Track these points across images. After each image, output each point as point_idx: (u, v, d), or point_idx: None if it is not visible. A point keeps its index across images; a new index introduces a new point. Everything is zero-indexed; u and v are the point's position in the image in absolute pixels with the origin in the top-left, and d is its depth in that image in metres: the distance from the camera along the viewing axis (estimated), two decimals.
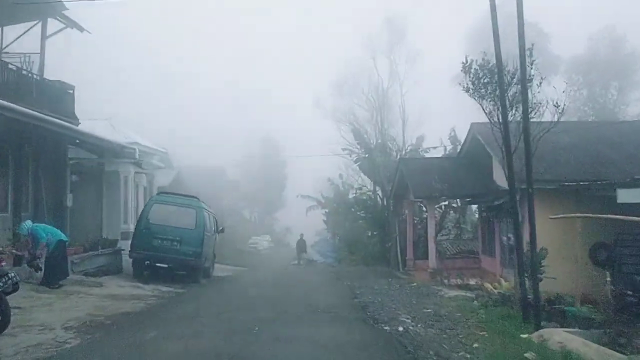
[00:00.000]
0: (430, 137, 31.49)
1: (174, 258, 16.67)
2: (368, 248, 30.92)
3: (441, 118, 35.35)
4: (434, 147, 29.86)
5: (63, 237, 13.21)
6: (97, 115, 25.58)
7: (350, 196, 42.65)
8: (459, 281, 19.30)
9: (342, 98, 32.76)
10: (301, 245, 33.66)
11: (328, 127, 35.99)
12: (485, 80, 12.03)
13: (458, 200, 28.97)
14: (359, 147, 30.32)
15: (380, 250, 29.22)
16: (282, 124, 69.68)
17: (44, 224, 13.93)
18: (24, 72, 16.30)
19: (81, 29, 19.53)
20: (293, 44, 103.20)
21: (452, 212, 30.17)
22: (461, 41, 40.87)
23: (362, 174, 34.21)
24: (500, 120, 11.51)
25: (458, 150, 29.04)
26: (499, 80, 10.91)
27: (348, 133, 32.54)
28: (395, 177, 24.54)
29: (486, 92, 12.01)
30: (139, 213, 18.12)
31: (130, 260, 17.21)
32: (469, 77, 12.34)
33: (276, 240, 55.51)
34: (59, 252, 12.81)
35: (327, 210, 45.88)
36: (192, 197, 18.21)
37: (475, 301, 13.84)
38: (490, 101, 12.06)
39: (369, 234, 30.79)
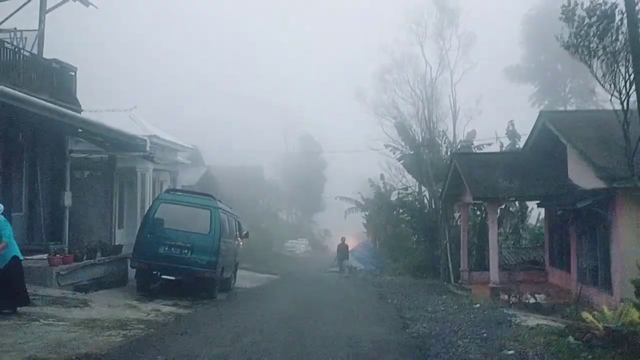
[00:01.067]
0: (481, 133, 27.59)
1: (183, 269, 13.46)
2: (414, 255, 27.13)
3: (494, 112, 31.32)
4: (489, 144, 25.93)
5: (19, 253, 9.92)
6: (119, 107, 22.77)
7: (393, 198, 38.97)
8: (532, 300, 15.45)
9: (385, 91, 29.19)
10: (343, 250, 28.29)
11: (369, 123, 32.46)
12: (598, 29, 8.26)
13: (516, 202, 24.98)
14: (403, 143, 26.61)
15: (427, 259, 25.40)
16: (320, 119, 65.93)
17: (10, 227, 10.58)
18: (7, 45, 13.35)
19: (87, 3, 16.63)
20: (330, 29, 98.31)
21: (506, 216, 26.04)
22: (516, 27, 36.52)
23: (406, 174, 30.53)
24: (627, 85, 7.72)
25: (517, 146, 25.06)
26: (630, 19, 7.08)
27: (391, 129, 28.97)
28: (447, 175, 20.75)
29: (600, 44, 8.25)
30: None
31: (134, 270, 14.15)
32: (572, 26, 8.61)
33: (314, 244, 52.21)
34: (12, 271, 9.58)
35: (367, 213, 42.28)
36: (207, 195, 14.97)
37: (571, 337, 10.01)
38: (603, 60, 8.34)
39: (415, 240, 26.98)
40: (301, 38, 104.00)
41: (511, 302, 15.73)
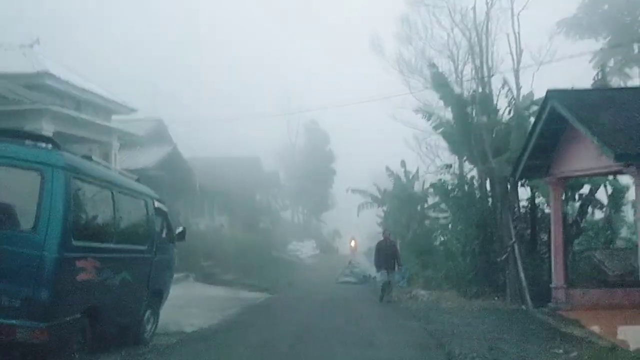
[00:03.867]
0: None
1: None
2: (457, 261, 18.37)
3: (546, 73, 22.26)
4: None
5: None
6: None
7: (416, 189, 30.37)
8: None
9: (411, 40, 20.61)
10: (387, 253, 15.30)
11: (390, 86, 23.91)
12: None
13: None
14: (443, 103, 17.91)
15: (480, 267, 16.62)
16: (328, 97, 55.68)
17: None
18: None
19: None
20: None
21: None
22: None
23: (441, 153, 21.97)
24: None
25: None
26: None
27: (421, 92, 20.38)
28: (531, 135, 12.08)
29: None
30: None
31: None
32: None
33: (323, 246, 43.47)
34: None
35: (384, 208, 33.58)
36: (40, 138, 6.22)
37: None
38: None
39: (460, 240, 18.18)
40: None
41: None
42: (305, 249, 37.05)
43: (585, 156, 10.37)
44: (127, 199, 7.09)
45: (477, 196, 17.44)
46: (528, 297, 13.62)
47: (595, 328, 10.24)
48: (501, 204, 16.02)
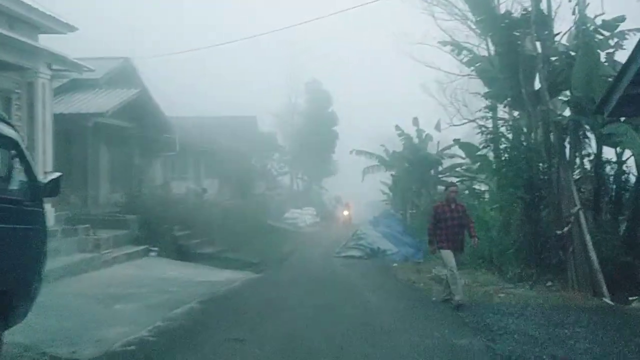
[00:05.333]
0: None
1: None
2: (490, 233, 14.27)
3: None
4: None
5: None
6: None
7: (430, 149, 26.24)
8: None
9: None
10: (454, 223, 8.51)
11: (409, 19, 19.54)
12: None
13: None
14: (479, 29, 13.41)
15: (523, 241, 12.45)
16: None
17: None
18: None
19: None
20: None
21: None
22: None
23: (469, 101, 17.60)
24: None
25: None
26: None
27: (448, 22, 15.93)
28: None
29: None
30: None
31: None
32: None
33: (323, 214, 39.36)
34: None
35: (393, 173, 29.39)
36: None
37: None
38: None
39: (501, 205, 13.95)
40: None
41: None
42: (304, 217, 32.97)
43: None
44: None
45: (523, 149, 13.11)
46: (604, 286, 9.54)
47: None
48: (559, 159, 11.77)
